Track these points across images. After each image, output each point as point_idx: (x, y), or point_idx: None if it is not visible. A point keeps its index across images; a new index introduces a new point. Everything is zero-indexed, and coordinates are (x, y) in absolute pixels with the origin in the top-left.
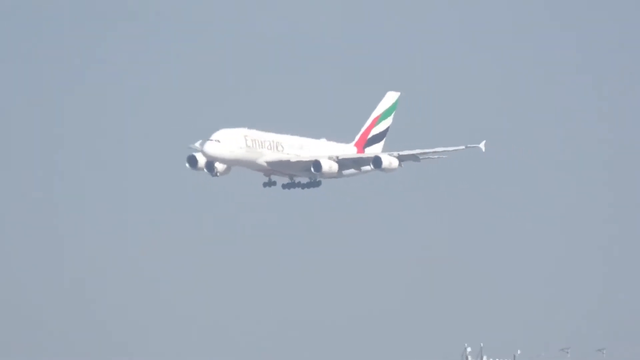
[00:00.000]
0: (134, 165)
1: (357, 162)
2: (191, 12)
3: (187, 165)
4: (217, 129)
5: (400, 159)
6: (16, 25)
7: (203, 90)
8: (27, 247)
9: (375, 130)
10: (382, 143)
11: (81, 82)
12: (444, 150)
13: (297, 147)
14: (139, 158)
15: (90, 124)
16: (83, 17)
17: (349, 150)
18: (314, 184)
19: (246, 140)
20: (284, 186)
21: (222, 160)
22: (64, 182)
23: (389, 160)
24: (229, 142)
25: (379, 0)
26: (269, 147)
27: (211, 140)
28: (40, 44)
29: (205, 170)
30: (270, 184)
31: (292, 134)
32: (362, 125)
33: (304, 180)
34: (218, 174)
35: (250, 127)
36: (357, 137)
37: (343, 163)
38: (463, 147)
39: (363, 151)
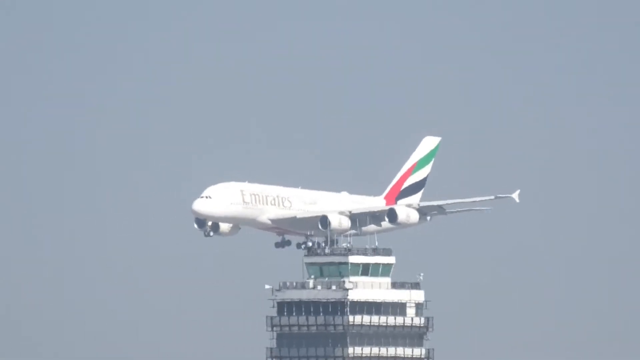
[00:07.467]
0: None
1: (372, 216)
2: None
3: (195, 226)
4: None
5: (422, 211)
6: None
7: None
8: None
9: (411, 180)
10: (419, 194)
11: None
12: (471, 202)
13: (308, 202)
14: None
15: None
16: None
17: (375, 204)
18: (331, 243)
19: (243, 195)
20: (299, 246)
21: (215, 219)
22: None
23: (406, 213)
24: (221, 199)
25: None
26: (273, 203)
27: (201, 197)
28: None
29: (209, 230)
30: (283, 244)
31: (312, 188)
32: (394, 176)
33: (322, 239)
34: (211, 233)
35: (271, 181)
36: (388, 189)
37: (356, 218)
38: (492, 197)
39: (395, 204)
